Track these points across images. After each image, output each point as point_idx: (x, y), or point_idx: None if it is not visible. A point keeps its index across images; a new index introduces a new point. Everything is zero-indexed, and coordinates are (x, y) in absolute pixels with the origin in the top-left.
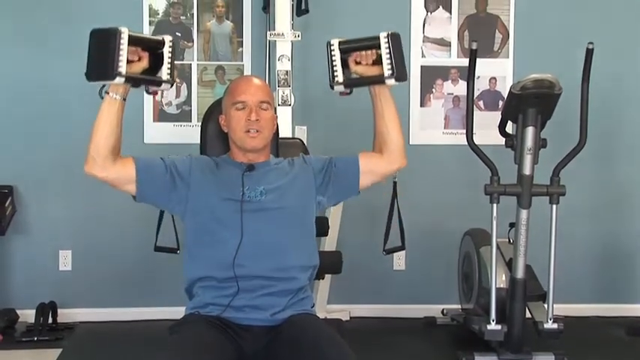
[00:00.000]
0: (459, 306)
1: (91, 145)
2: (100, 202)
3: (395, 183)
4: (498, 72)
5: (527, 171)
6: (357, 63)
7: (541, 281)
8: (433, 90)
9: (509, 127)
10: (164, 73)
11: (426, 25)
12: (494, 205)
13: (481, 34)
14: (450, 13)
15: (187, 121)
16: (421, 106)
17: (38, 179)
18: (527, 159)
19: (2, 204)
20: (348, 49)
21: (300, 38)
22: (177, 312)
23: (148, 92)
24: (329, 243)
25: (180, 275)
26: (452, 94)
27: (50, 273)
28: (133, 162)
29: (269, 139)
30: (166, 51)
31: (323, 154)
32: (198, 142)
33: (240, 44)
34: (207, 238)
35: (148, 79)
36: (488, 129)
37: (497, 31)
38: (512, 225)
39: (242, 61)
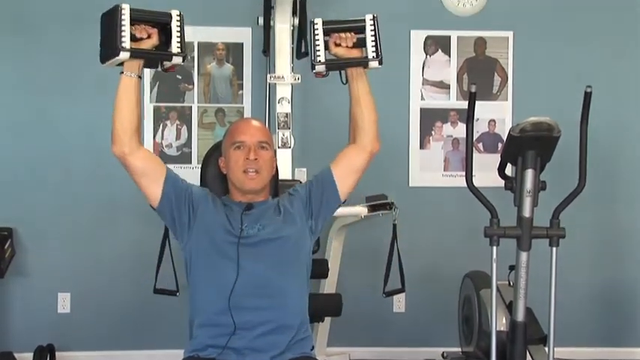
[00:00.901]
0: (460, 349)
1: (115, 124)
2: (99, 245)
3: (395, 225)
4: (497, 114)
5: (526, 213)
6: (337, 45)
7: (542, 324)
8: (432, 132)
9: (509, 170)
10: (174, 46)
11: (425, 67)
12: (494, 247)
13: (480, 77)
14: (449, 56)
15: (187, 163)
16: (421, 148)
17: (38, 222)
18: (527, 201)
19: (2, 246)
20: (331, 29)
21: (299, 81)
22: (177, 355)
23: (164, 69)
24: (329, 285)
25: (178, 317)
26: (451, 136)
27: (49, 315)
28: (164, 167)
29: (267, 180)
30: (174, 25)
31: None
32: (198, 183)
33: (241, 87)
34: (205, 273)
35: (155, 53)
36: (487, 171)
37: (495, 74)
38: (512, 267)
39: (242, 103)
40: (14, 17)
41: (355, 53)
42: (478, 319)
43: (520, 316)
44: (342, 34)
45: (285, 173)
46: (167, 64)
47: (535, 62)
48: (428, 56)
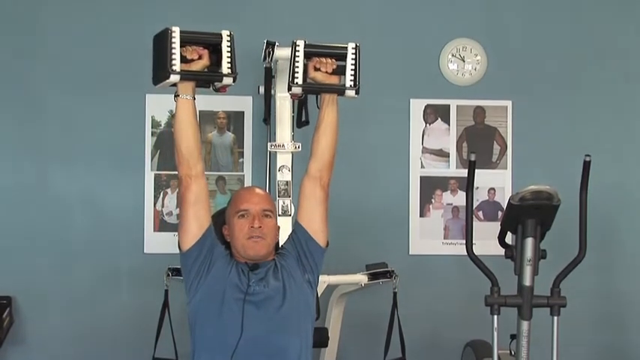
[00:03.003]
0: None
1: (181, 146)
2: (98, 312)
3: (395, 293)
4: (497, 183)
5: (527, 282)
6: (317, 69)
7: None
8: (432, 200)
9: (509, 238)
10: (224, 67)
11: (425, 136)
12: (495, 316)
13: (479, 146)
14: (449, 124)
15: None
16: (421, 216)
17: (37, 289)
18: (527, 270)
19: (0, 315)
20: (312, 52)
21: (300, 149)
22: None
23: (216, 89)
24: (329, 355)
25: None
26: (451, 204)
27: None
28: (210, 216)
29: (272, 246)
30: (224, 45)
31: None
32: None
33: (241, 155)
34: (209, 331)
35: (205, 74)
36: (487, 239)
37: (495, 142)
38: (513, 336)
39: (243, 171)
40: (15, 82)
41: (333, 80)
42: None
43: None
44: (323, 59)
45: (285, 240)
46: (218, 84)
47: (534, 131)
48: (427, 125)
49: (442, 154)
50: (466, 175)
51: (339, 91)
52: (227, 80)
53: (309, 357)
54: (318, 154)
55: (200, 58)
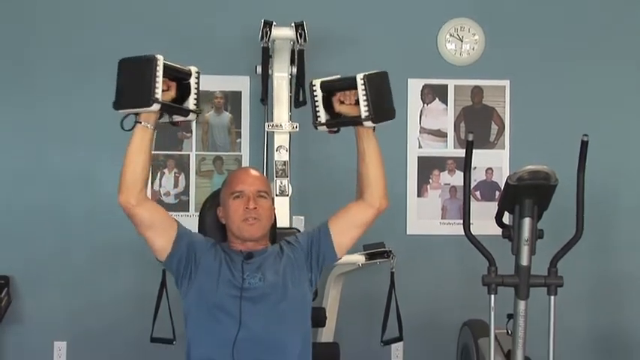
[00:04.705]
0: None
1: (126, 174)
2: (96, 292)
3: (392, 273)
4: (494, 163)
5: (524, 262)
6: (341, 102)
7: None
8: (430, 180)
9: (506, 218)
10: (191, 103)
11: (422, 116)
12: (492, 296)
13: (477, 126)
14: (446, 104)
15: (185, 211)
16: (418, 196)
17: (35, 269)
18: (525, 250)
19: None
20: (330, 89)
21: (297, 129)
22: None
23: (173, 123)
24: (326, 334)
25: None
26: (449, 184)
27: None
28: (175, 222)
29: (267, 228)
30: (193, 81)
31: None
32: (196, 232)
33: (239, 135)
34: (207, 322)
35: (180, 107)
36: (485, 219)
37: (492, 122)
38: (510, 316)
39: (240, 151)
40: (14, 63)
41: (356, 111)
42: None
43: None
44: (347, 92)
45: (282, 221)
46: (178, 118)
47: (532, 110)
48: (425, 105)
49: (440, 134)
50: (464, 155)
51: (357, 123)
52: (192, 116)
53: (309, 350)
54: (372, 185)
55: (168, 89)
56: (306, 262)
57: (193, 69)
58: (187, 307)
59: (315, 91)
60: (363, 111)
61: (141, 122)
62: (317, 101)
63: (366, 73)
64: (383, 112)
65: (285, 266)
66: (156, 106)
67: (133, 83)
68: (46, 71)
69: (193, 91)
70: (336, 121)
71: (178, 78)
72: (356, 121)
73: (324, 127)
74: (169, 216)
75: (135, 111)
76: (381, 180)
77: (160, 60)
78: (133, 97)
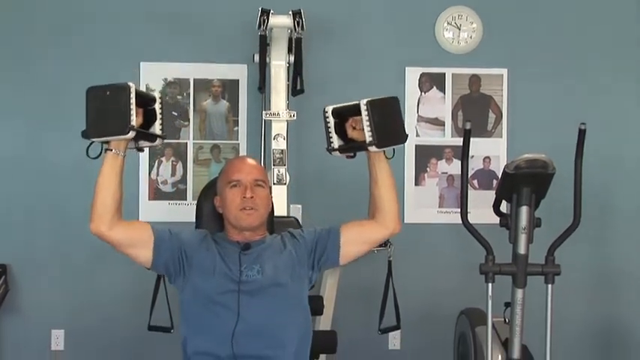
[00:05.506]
0: None
1: (97, 204)
2: (94, 281)
3: (390, 262)
4: (492, 151)
5: (521, 250)
6: (353, 128)
7: None
8: (427, 169)
9: (504, 207)
10: (157, 128)
11: (420, 104)
12: (490, 284)
13: (475, 114)
14: (444, 93)
15: (182, 200)
16: (416, 184)
17: (33, 258)
18: (522, 238)
19: None
20: (341, 114)
21: (295, 118)
22: None
23: (139, 149)
24: (324, 322)
25: (174, 355)
26: (446, 173)
27: (42, 353)
28: (150, 228)
29: (264, 217)
30: (158, 107)
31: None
32: (194, 220)
33: (236, 123)
34: (205, 317)
35: (150, 133)
36: (482, 208)
37: (490, 111)
38: (507, 304)
39: (238, 139)
40: (7, 49)
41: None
42: (474, 357)
43: (516, 353)
44: (358, 118)
45: (280, 210)
46: (144, 143)
47: (529, 99)
48: (423, 93)
49: (437, 122)
50: (461, 144)
51: (363, 149)
52: (158, 141)
53: (308, 343)
54: (386, 209)
55: (137, 116)
56: (309, 259)
57: (156, 94)
58: (184, 303)
59: (328, 117)
60: (367, 136)
61: (112, 150)
62: (329, 127)
63: (370, 99)
64: (388, 136)
65: (286, 261)
66: (132, 134)
67: (105, 111)
68: (39, 57)
69: (158, 116)
70: (348, 147)
71: (143, 104)
72: (362, 146)
73: (337, 152)
74: (144, 228)
75: (110, 139)
76: (393, 204)
77: (133, 87)
78: (107, 126)
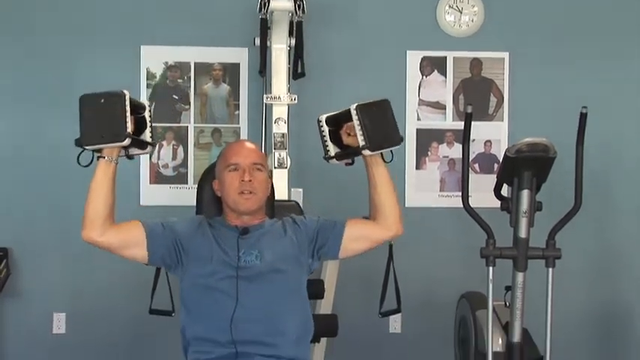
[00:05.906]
0: None
1: (89, 210)
2: (95, 265)
3: (391, 246)
4: (493, 135)
5: (522, 234)
6: (348, 134)
7: (538, 345)
8: (429, 153)
9: (505, 190)
10: (147, 135)
11: (421, 88)
12: (490, 268)
13: (476, 98)
14: (445, 77)
15: (184, 184)
16: (417, 168)
17: (34, 242)
18: (523, 222)
19: None
20: (334, 122)
21: (296, 101)
22: None
23: (129, 157)
24: (324, 306)
25: (175, 339)
26: (447, 156)
27: (43, 336)
28: (141, 226)
29: (263, 201)
30: (147, 114)
31: (320, 216)
32: (194, 204)
33: (237, 107)
34: (204, 303)
35: (142, 141)
36: (483, 192)
37: (491, 94)
38: (508, 288)
39: (238, 123)
40: (11, 33)
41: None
42: (474, 340)
43: (516, 337)
44: (350, 124)
45: (281, 193)
46: (135, 151)
47: (531, 83)
48: (424, 77)
49: (439, 106)
50: (462, 128)
51: (357, 154)
52: (149, 149)
53: (309, 329)
54: (386, 212)
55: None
56: (309, 246)
57: (146, 102)
58: (184, 290)
59: (322, 126)
60: (360, 140)
61: (104, 157)
62: (324, 136)
63: (359, 103)
64: (380, 139)
65: (286, 248)
66: (128, 141)
67: (101, 119)
68: (41, 41)
69: (149, 124)
70: (344, 153)
71: (133, 112)
72: (356, 151)
73: (334, 160)
74: (135, 227)
75: (106, 146)
76: (394, 209)
77: (127, 95)
78: (103, 133)
